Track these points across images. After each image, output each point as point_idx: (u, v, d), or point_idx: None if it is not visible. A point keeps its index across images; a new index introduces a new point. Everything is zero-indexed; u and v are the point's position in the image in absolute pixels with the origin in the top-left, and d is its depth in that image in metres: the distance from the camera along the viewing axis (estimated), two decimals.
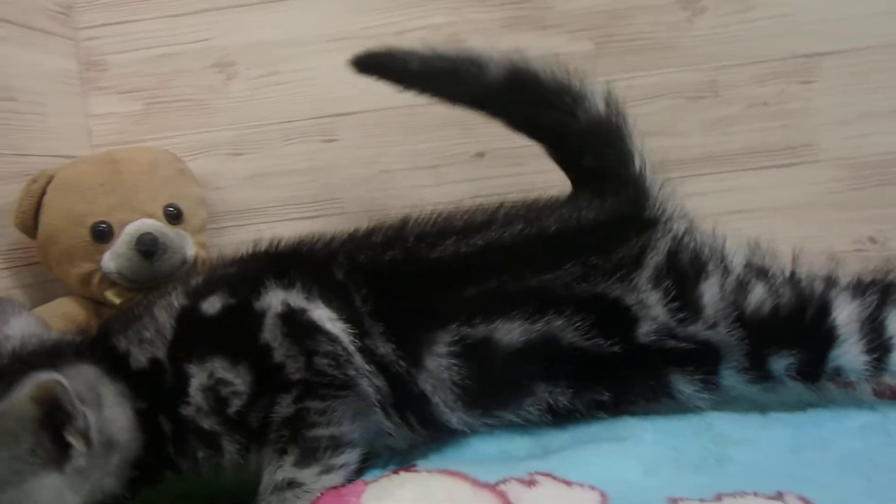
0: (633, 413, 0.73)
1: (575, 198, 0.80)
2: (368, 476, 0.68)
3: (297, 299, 0.68)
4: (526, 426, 0.77)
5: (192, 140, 1.18)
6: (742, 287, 0.71)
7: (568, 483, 0.58)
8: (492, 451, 0.73)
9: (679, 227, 0.75)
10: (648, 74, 1.08)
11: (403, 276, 0.73)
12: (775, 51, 1.06)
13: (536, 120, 0.82)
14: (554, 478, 0.59)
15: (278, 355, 0.65)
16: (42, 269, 1.05)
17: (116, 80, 1.19)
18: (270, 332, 0.66)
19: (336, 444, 0.65)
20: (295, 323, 0.67)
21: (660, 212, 0.76)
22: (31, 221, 0.99)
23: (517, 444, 0.74)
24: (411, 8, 1.12)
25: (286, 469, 0.63)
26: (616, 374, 0.71)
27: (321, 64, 1.14)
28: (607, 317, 0.70)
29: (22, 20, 1.09)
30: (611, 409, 0.73)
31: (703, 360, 0.70)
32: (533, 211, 0.78)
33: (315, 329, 0.67)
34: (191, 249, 0.99)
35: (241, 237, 1.16)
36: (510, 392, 0.72)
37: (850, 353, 0.68)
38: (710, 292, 0.70)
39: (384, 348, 0.69)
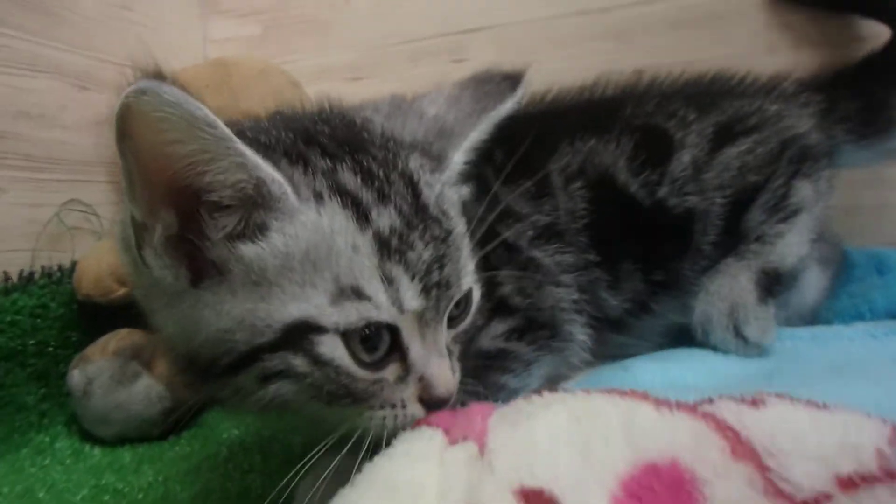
0: None
1: None
2: None
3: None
4: (698, 364, 0.60)
5: (312, 64, 1.07)
6: None
7: (820, 406, 0.35)
8: (662, 383, 0.55)
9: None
10: None
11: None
12: None
13: None
14: (793, 400, 0.36)
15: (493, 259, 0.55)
16: None
17: (236, 3, 1.11)
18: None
19: (509, 397, 0.52)
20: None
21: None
22: None
23: (691, 379, 0.57)
24: None
25: None
26: None
27: None
28: None
29: None
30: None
31: None
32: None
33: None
34: None
35: None
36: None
37: None
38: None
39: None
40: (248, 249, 0.41)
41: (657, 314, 0.66)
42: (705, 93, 0.72)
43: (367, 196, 0.42)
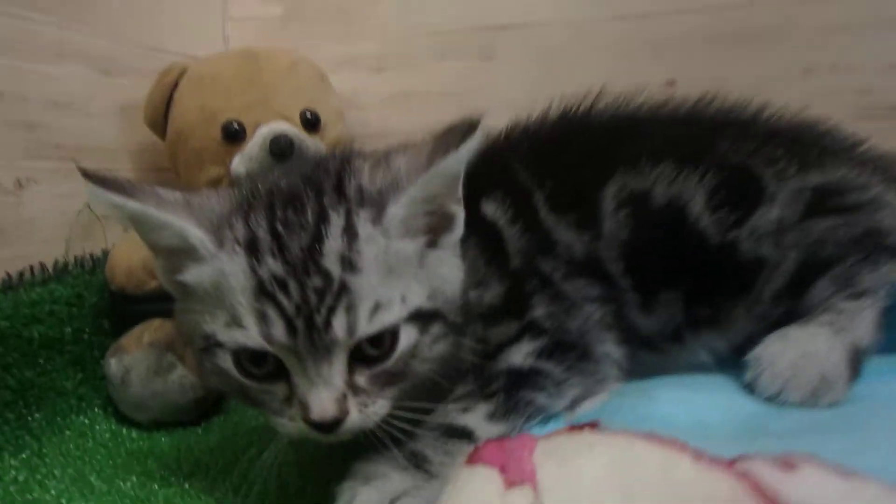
0: None
1: None
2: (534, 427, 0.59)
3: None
4: (723, 399, 0.61)
5: (335, 52, 1.06)
6: None
7: (849, 475, 0.38)
8: (686, 420, 0.57)
9: None
10: None
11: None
12: None
13: None
14: (824, 466, 0.39)
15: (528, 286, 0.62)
16: (171, 177, 0.97)
17: None
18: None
19: (537, 414, 0.60)
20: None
21: None
22: (160, 118, 0.91)
23: (716, 416, 0.58)
24: None
25: (473, 417, 0.57)
26: None
27: None
28: None
29: None
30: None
31: None
32: None
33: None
34: None
35: None
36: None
37: None
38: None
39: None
40: (184, 277, 0.54)
41: (688, 347, 0.68)
42: (814, 146, 0.70)
43: (267, 247, 0.52)
